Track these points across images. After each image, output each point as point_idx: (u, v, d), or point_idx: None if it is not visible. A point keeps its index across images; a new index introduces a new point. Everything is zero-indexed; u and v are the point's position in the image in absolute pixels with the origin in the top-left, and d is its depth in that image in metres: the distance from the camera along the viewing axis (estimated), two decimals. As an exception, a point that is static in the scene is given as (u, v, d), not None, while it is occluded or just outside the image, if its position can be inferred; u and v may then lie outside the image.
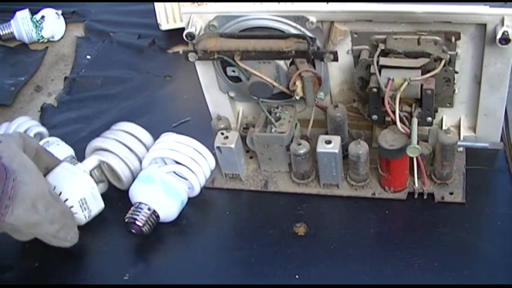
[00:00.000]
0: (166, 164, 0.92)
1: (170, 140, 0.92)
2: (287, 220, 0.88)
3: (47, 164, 0.87)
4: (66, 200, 0.85)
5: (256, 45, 0.84)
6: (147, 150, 0.93)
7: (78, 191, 0.86)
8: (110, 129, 0.95)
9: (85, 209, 0.87)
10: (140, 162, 0.93)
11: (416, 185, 0.87)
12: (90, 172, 0.90)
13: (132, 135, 0.94)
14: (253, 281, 0.82)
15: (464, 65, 0.85)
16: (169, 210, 0.88)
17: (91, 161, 0.91)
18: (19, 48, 1.35)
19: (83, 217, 0.87)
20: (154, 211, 0.86)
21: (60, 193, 0.85)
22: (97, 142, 0.93)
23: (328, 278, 0.81)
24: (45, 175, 0.85)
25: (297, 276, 0.81)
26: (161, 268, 0.85)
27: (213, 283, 0.83)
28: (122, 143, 0.93)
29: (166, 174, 0.89)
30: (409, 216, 0.87)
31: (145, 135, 0.95)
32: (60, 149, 0.97)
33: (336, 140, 0.86)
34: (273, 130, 0.89)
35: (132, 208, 0.87)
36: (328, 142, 0.86)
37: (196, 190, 0.91)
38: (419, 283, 0.79)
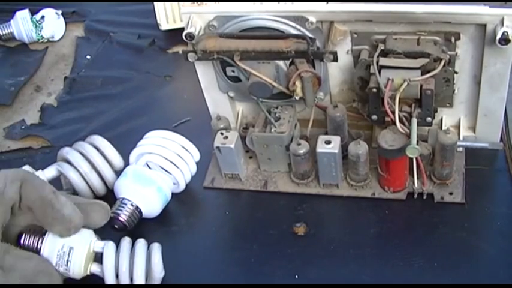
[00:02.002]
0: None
1: (156, 136, 0.92)
2: (287, 220, 0.88)
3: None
4: None
5: (256, 46, 0.84)
6: (113, 170, 0.92)
7: None
8: (83, 141, 0.94)
9: None
10: (103, 181, 0.92)
11: (416, 185, 0.87)
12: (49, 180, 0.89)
13: (100, 152, 0.92)
14: (253, 281, 0.82)
15: (464, 65, 0.85)
16: (146, 199, 0.88)
17: (50, 171, 0.91)
18: (19, 48, 1.35)
19: None
20: (131, 203, 0.87)
21: None
22: (63, 151, 0.92)
23: (327, 278, 0.81)
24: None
25: (296, 276, 0.81)
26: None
27: (212, 283, 0.83)
28: (86, 158, 0.91)
29: (138, 165, 0.90)
30: (408, 216, 0.87)
31: (112, 153, 0.92)
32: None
33: (336, 140, 0.86)
34: (272, 130, 0.89)
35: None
36: (328, 142, 0.86)
37: (182, 185, 0.92)
38: (419, 283, 0.78)
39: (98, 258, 0.80)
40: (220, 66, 0.90)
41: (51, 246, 0.77)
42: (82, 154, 0.91)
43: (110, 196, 0.91)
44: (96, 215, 0.80)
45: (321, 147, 0.86)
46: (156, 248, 0.79)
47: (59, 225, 0.75)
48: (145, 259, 0.78)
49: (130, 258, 0.79)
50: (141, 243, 0.79)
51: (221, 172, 0.94)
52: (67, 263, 0.77)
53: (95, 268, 0.80)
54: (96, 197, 0.92)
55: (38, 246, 0.77)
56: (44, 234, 0.78)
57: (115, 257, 0.78)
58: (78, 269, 0.78)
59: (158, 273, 0.78)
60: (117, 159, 0.92)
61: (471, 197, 0.86)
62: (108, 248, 0.79)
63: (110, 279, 0.78)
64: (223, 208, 0.93)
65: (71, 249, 0.77)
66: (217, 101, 0.96)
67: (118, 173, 0.92)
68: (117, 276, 0.78)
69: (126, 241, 0.80)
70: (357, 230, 0.86)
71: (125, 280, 0.78)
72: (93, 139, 0.93)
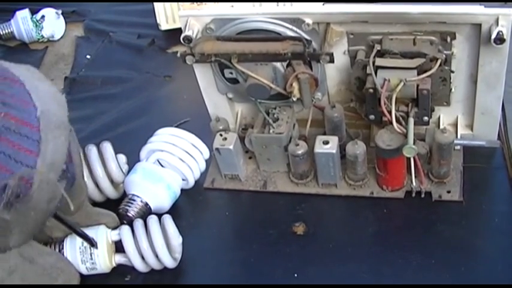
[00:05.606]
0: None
1: (165, 133, 0.93)
2: (286, 220, 0.88)
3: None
4: None
5: (253, 48, 0.84)
6: (112, 182, 0.92)
7: None
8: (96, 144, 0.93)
9: None
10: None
11: (414, 183, 0.87)
12: None
13: (103, 162, 0.92)
14: (253, 281, 0.83)
15: (460, 65, 0.85)
16: (155, 196, 0.89)
17: None
18: (19, 48, 1.36)
19: None
20: (141, 199, 0.89)
21: None
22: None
23: (327, 277, 0.82)
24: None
25: (296, 275, 0.82)
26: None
27: (213, 283, 0.84)
28: (88, 165, 0.91)
29: (148, 163, 0.91)
30: (407, 214, 0.88)
31: (114, 166, 0.92)
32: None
33: (334, 140, 0.87)
34: (271, 131, 0.90)
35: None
36: (326, 142, 0.86)
37: (191, 181, 0.93)
38: (417, 281, 0.79)
39: (119, 250, 0.84)
40: (218, 68, 0.91)
41: (71, 244, 0.82)
42: (86, 159, 0.91)
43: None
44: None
45: (319, 148, 0.86)
46: (168, 219, 0.83)
47: (105, 219, 0.86)
48: (161, 232, 0.82)
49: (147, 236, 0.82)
50: (153, 219, 0.83)
51: (221, 173, 0.95)
52: (91, 256, 0.82)
53: (119, 258, 0.84)
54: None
55: (61, 249, 0.82)
56: (63, 240, 0.83)
57: (133, 240, 0.82)
58: (103, 259, 0.82)
59: (176, 241, 0.82)
60: (115, 173, 0.92)
61: (469, 195, 0.87)
62: (124, 231, 0.83)
63: (136, 262, 0.82)
64: (223, 208, 0.94)
65: None
66: (216, 102, 0.97)
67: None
68: (142, 257, 0.82)
69: (139, 223, 0.83)
70: (355, 228, 0.87)
71: (150, 257, 0.82)
72: (102, 146, 0.92)
